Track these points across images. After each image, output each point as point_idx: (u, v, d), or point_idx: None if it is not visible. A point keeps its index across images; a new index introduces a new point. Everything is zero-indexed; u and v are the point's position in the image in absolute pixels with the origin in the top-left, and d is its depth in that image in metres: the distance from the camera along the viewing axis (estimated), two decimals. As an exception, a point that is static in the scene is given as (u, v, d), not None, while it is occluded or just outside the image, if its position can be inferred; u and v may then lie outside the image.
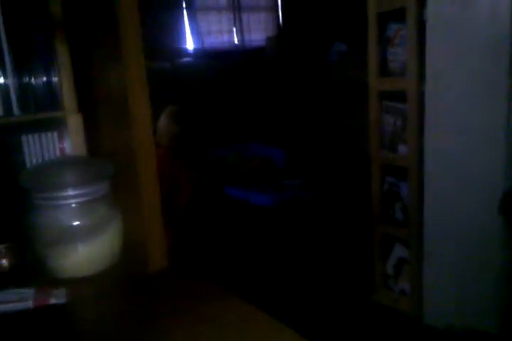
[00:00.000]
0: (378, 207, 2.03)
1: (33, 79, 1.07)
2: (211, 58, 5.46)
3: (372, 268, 2.10)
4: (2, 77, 1.04)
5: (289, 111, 4.83)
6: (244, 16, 5.97)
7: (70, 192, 0.99)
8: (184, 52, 5.50)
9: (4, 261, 1.07)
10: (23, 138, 1.11)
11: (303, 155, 3.80)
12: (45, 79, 1.06)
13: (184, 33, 5.61)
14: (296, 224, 2.87)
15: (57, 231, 1.00)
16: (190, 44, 5.63)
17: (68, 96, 1.12)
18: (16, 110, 1.07)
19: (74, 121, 1.14)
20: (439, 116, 1.71)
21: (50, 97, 1.10)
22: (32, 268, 1.02)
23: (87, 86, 1.09)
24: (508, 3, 1.46)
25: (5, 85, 1.05)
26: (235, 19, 5.90)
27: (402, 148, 1.90)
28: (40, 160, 1.10)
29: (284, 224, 2.89)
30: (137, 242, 1.07)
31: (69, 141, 1.16)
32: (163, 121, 2.39)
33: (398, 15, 1.84)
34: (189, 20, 5.60)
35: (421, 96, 1.76)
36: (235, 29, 5.89)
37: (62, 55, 1.07)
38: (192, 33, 5.63)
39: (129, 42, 0.94)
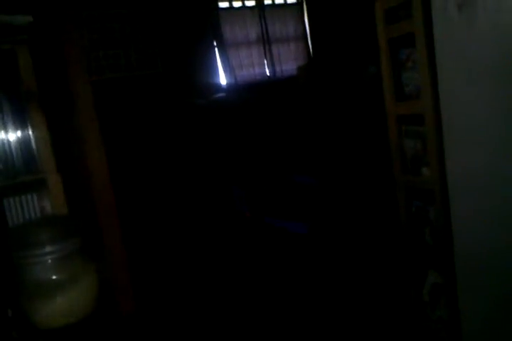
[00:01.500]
0: (407, 231, 1.99)
1: (10, 145, 1.13)
2: (244, 91, 5.60)
3: (408, 295, 2.04)
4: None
5: (322, 137, 4.85)
6: (274, 48, 6.12)
7: (45, 250, 1.04)
8: (218, 88, 5.67)
9: None
10: (4, 201, 1.17)
11: (334, 183, 3.80)
12: (22, 144, 1.12)
13: (217, 69, 5.80)
14: (330, 250, 2.90)
15: (37, 285, 1.05)
16: (223, 79, 5.80)
17: (46, 159, 1.18)
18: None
19: (53, 181, 1.20)
20: (457, 137, 1.68)
21: (28, 161, 1.17)
22: (15, 321, 1.05)
23: (63, 147, 1.14)
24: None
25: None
26: (265, 52, 6.06)
27: (426, 171, 1.87)
28: (21, 220, 1.16)
29: (318, 250, 2.95)
30: (108, 289, 1.10)
31: (49, 201, 1.22)
32: None
33: (409, 39, 1.85)
34: (220, 56, 5.80)
35: (438, 118, 1.74)
36: (266, 61, 6.04)
37: (38, 121, 1.14)
38: (224, 68, 5.81)
39: (84, 118, 1.00)
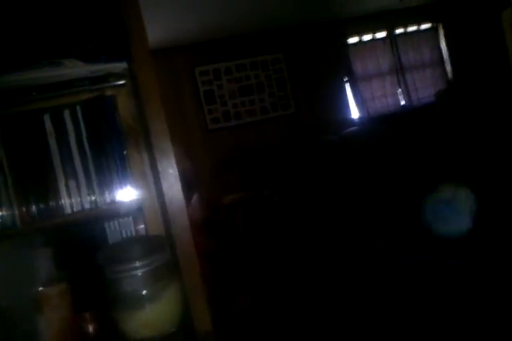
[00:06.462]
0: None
1: (111, 176, 1.30)
2: (377, 123, 5.47)
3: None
4: (85, 179, 1.30)
5: (463, 165, 4.45)
6: (409, 76, 5.91)
7: (135, 264, 1.15)
8: (350, 122, 5.64)
9: (89, 327, 1.26)
10: (106, 224, 1.34)
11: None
12: (120, 173, 1.28)
13: (348, 104, 5.79)
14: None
15: (126, 298, 1.15)
16: (355, 113, 5.76)
17: (142, 186, 1.33)
18: (99, 203, 1.30)
19: (147, 206, 1.34)
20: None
21: (126, 190, 1.32)
22: (111, 332, 1.17)
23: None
24: None
25: (91, 185, 1.30)
26: (398, 81, 5.87)
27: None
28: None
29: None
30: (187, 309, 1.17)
31: (144, 223, 1.36)
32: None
33: None
34: (352, 90, 5.79)
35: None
36: (399, 90, 5.84)
37: (134, 153, 1.30)
38: (356, 102, 5.78)
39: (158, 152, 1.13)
